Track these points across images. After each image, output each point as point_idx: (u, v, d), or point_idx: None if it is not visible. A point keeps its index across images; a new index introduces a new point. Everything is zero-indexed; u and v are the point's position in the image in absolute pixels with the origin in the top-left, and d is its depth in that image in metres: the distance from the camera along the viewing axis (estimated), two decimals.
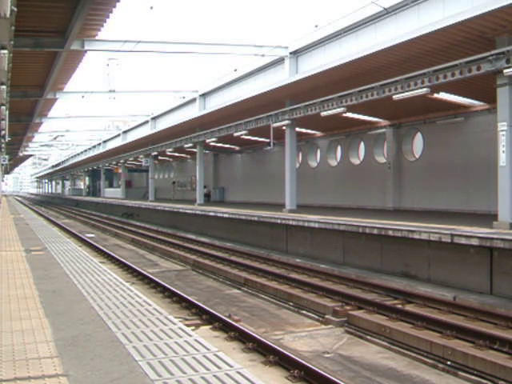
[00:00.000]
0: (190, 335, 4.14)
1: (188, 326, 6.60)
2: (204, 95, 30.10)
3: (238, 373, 3.28)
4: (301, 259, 14.72)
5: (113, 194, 52.79)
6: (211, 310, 8.43)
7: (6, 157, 35.55)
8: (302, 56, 20.62)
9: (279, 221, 16.57)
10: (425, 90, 12.75)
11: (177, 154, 38.87)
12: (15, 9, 7.90)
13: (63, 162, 70.85)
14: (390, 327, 7.40)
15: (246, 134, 22.67)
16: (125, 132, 46.51)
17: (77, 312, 4.91)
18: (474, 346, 6.71)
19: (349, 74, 14.67)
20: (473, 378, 5.95)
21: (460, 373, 6.10)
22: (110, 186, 62.12)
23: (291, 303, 9.61)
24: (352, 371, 6.26)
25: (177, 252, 16.64)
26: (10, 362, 3.52)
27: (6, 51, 9.24)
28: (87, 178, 66.45)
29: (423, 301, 9.31)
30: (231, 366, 3.41)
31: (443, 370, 6.26)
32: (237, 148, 33.97)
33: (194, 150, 29.17)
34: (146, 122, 40.12)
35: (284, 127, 19.23)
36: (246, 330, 7.26)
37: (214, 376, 3.22)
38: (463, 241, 10.13)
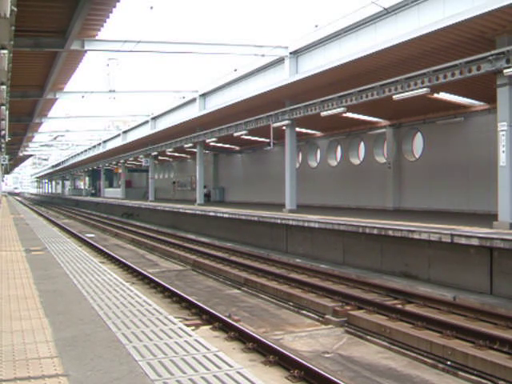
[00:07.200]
0: (190, 335, 4.14)
1: (188, 326, 6.60)
2: (204, 95, 30.12)
3: (238, 373, 3.28)
4: (301, 259, 14.72)
5: (113, 193, 52.78)
6: (211, 310, 8.43)
7: (6, 157, 35.53)
8: (302, 56, 20.63)
9: (279, 221, 16.57)
10: (425, 89, 12.75)
11: (177, 154, 38.87)
12: (15, 9, 7.90)
13: (63, 162, 70.88)
14: (390, 327, 7.40)
15: (245, 134, 22.66)
16: (125, 132, 46.53)
17: (77, 312, 4.91)
18: (474, 346, 6.70)
19: (349, 73, 14.67)
20: (473, 378, 5.95)
21: (460, 373, 6.09)
22: (110, 186, 62.14)
23: (291, 303, 9.60)
24: (352, 371, 6.26)
25: (177, 252, 16.64)
26: (9, 362, 3.52)
27: (6, 51, 9.25)
28: (87, 178, 66.46)
29: (423, 301, 9.30)
30: (231, 366, 3.41)
31: (443, 369, 6.26)
32: (237, 148, 33.97)
33: (194, 149, 29.17)
34: (146, 122, 40.16)
35: (284, 127, 19.22)
36: (246, 330, 7.25)
37: (214, 376, 3.22)
38: (463, 241, 10.13)
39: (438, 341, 6.74)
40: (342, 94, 15.45)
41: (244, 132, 21.93)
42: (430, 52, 12.43)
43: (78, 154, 62.05)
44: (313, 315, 8.78)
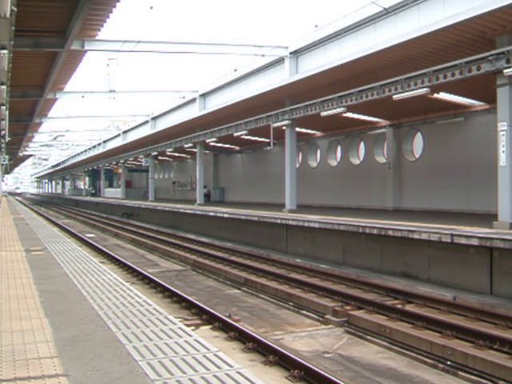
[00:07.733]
0: (190, 335, 4.14)
1: (188, 326, 6.61)
2: (204, 95, 30.13)
3: (238, 373, 3.28)
4: (301, 259, 14.72)
5: (113, 193, 52.80)
6: (211, 310, 8.43)
7: (6, 157, 35.52)
8: (302, 56, 20.64)
9: (279, 221, 16.57)
10: (425, 89, 12.75)
11: (177, 154, 38.87)
12: (15, 9, 7.91)
13: (63, 162, 70.87)
14: (390, 327, 7.40)
15: (245, 134, 22.66)
16: (125, 132, 46.54)
17: (77, 312, 4.91)
18: (474, 346, 6.70)
19: (349, 73, 14.67)
20: (473, 378, 5.95)
21: (460, 373, 6.09)
22: (110, 186, 62.16)
23: (291, 303, 9.60)
24: (352, 371, 6.26)
25: (177, 252, 16.64)
26: (9, 362, 3.52)
27: (6, 51, 9.26)
28: (87, 178, 66.48)
29: (423, 301, 9.30)
30: (231, 366, 3.41)
31: (443, 370, 6.26)
32: (237, 148, 33.97)
33: (194, 149, 29.18)
34: (146, 122, 40.17)
35: (284, 127, 19.22)
36: (246, 330, 7.25)
37: (214, 376, 3.22)
38: (463, 241, 10.13)
39: (438, 341, 6.73)
40: (342, 94, 15.45)
41: (244, 132, 21.93)
42: (430, 52, 12.43)
43: (78, 154, 62.05)
44: (313, 315, 8.78)
